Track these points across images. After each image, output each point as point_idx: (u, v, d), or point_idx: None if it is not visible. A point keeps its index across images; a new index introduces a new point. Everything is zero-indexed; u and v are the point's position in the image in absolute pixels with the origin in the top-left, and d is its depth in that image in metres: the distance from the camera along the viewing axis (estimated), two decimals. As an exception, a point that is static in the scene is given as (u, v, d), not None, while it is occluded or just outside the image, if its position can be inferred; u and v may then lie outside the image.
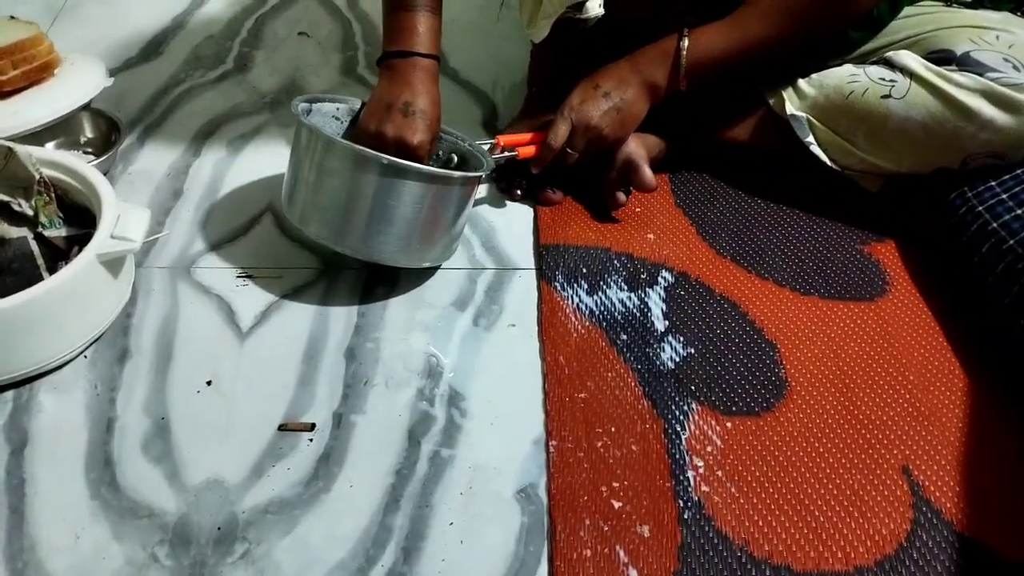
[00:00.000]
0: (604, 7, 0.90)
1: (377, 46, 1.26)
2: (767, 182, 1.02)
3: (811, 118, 0.94)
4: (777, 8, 0.86)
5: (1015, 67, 0.86)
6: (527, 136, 0.96)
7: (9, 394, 0.77)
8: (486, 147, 0.95)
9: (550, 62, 1.07)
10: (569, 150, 0.92)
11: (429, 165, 0.88)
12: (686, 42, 0.88)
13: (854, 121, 0.92)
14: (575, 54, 0.98)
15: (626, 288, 0.89)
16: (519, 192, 1.00)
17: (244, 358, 0.81)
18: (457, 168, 0.94)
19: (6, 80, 0.96)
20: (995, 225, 0.86)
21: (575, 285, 0.89)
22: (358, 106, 0.94)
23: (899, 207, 0.97)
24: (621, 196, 0.97)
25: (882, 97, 0.90)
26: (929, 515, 0.71)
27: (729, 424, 0.77)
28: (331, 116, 0.93)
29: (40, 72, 0.99)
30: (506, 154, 0.94)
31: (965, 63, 0.87)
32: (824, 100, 0.93)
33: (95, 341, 0.82)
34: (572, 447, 0.75)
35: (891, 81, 0.90)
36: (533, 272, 0.91)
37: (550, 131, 0.92)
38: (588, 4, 0.89)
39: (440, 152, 0.95)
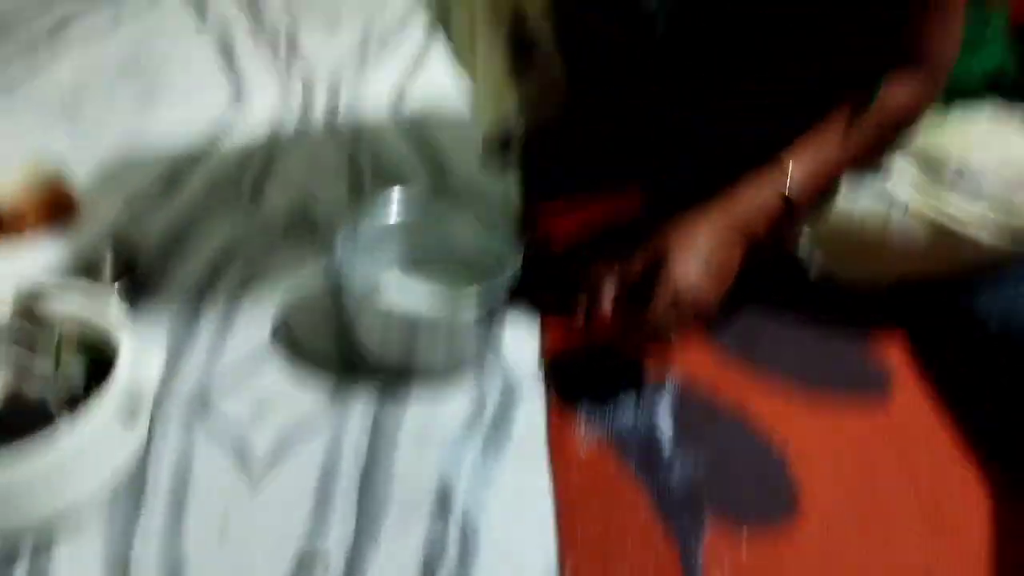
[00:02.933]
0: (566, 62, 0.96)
1: (383, 171, 1.30)
2: (771, 280, 1.02)
3: (815, 246, 0.96)
4: (862, 137, 0.87)
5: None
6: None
7: (27, 543, 0.78)
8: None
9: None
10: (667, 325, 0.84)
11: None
12: (789, 185, 0.85)
13: (857, 243, 0.93)
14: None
15: (634, 404, 0.90)
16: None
17: (258, 495, 0.82)
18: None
19: (28, 224, 1.00)
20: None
21: (583, 401, 0.90)
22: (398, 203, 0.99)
23: (904, 302, 0.98)
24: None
25: (882, 219, 0.91)
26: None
27: (746, 543, 0.77)
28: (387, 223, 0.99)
29: (60, 213, 1.04)
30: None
31: (962, 176, 0.89)
32: (825, 226, 0.94)
33: (112, 487, 0.82)
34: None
35: (889, 206, 0.91)
36: (540, 387, 0.92)
37: (652, 313, 0.83)
38: None
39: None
